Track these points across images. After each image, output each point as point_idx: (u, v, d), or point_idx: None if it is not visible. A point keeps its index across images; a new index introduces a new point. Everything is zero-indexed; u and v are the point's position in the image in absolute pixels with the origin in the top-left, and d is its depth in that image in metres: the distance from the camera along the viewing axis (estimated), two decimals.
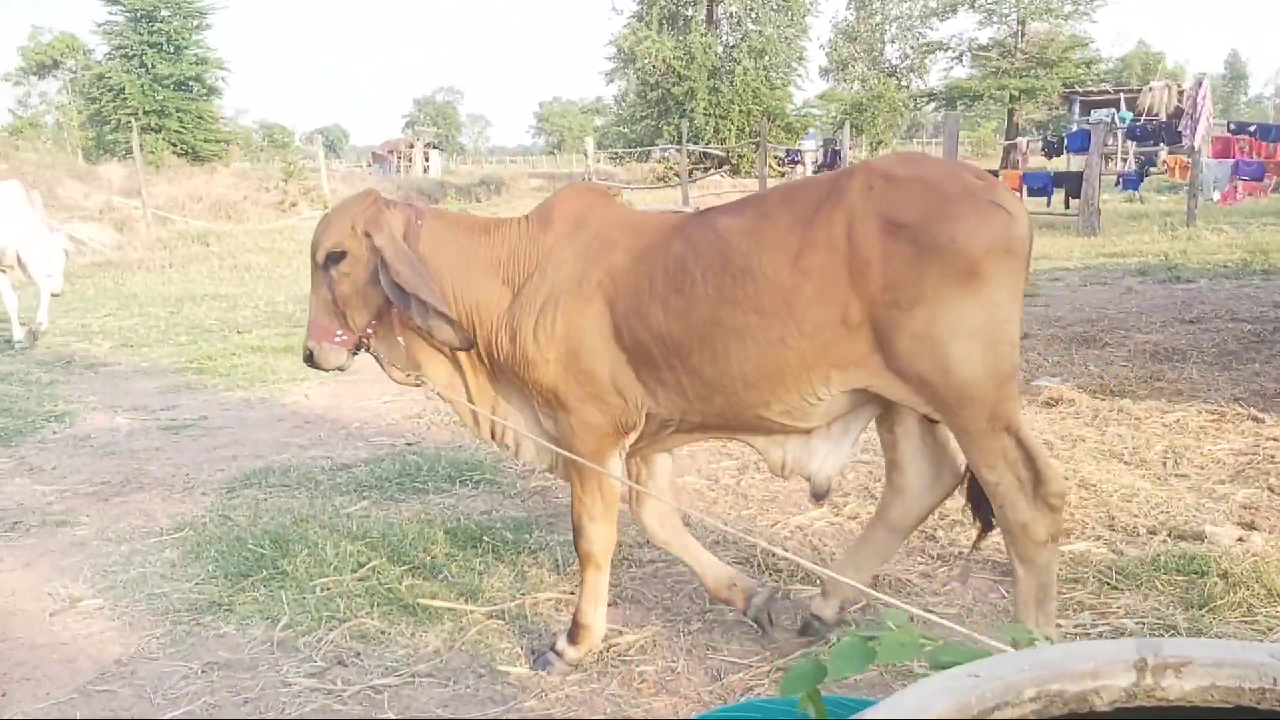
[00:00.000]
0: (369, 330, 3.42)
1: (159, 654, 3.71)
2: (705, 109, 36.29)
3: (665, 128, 39.16)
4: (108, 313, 12.58)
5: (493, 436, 3.59)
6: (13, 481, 5.89)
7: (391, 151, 62.22)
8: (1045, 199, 17.80)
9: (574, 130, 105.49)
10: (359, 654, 3.64)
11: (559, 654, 3.48)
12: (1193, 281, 10.48)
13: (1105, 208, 16.97)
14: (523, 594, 4.02)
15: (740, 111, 36.97)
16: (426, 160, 61.18)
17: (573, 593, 4.03)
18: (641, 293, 3.14)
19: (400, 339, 3.45)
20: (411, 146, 62.78)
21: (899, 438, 3.36)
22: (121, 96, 48.19)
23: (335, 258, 3.33)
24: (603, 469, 3.28)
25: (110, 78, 49.21)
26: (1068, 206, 17.17)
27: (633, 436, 3.35)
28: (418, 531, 4.58)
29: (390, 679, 3.45)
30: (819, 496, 3.38)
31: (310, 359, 3.47)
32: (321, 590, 4.10)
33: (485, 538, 4.54)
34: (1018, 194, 17.81)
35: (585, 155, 28.14)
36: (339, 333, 3.40)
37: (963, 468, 3.30)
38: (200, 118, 49.65)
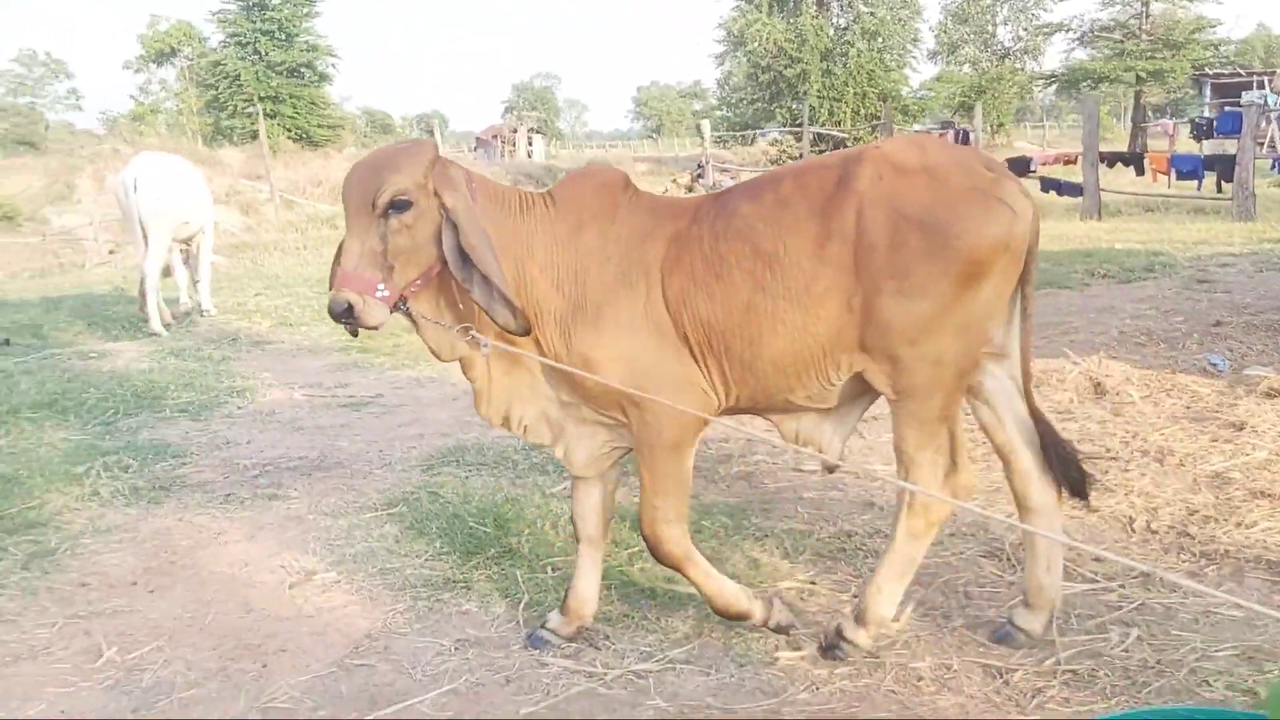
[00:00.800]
0: (412, 289, 3.12)
1: (407, 629, 3.70)
2: (819, 91, 35.78)
3: (777, 110, 38.76)
4: (257, 292, 12.84)
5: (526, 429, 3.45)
6: (213, 455, 6.01)
7: (495, 136, 62.75)
8: (1195, 182, 17.12)
9: (672, 115, 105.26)
10: (608, 636, 3.59)
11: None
12: None
13: (1258, 192, 16.25)
14: (760, 582, 3.92)
15: (855, 94, 36.36)
16: (530, 145, 61.58)
17: (813, 582, 3.93)
18: (686, 281, 3.15)
19: (442, 301, 3.22)
20: (514, 131, 63.22)
21: (1003, 420, 3.35)
22: (237, 83, 49.47)
23: (400, 206, 3.01)
24: (684, 464, 3.29)
25: (225, 65, 50.55)
26: (1219, 190, 16.47)
27: (709, 423, 3.30)
28: (635, 515, 4.51)
29: (649, 664, 3.39)
30: (831, 469, 3.51)
31: (348, 314, 3.02)
32: (553, 570, 4.07)
33: (705, 522, 4.46)
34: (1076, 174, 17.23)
35: (702, 138, 27.87)
36: (382, 286, 3.05)
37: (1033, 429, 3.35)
38: (313, 103, 50.77)
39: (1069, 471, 3.35)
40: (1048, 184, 18.06)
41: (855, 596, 3.59)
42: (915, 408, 3.11)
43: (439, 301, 3.20)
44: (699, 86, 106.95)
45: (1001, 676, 3.21)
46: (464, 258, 3.03)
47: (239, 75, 48.72)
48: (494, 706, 3.20)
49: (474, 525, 4.46)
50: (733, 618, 3.45)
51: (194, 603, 4.04)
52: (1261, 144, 18.93)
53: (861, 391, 3.25)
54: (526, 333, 3.12)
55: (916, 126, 35.32)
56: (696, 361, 3.19)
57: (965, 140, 22.94)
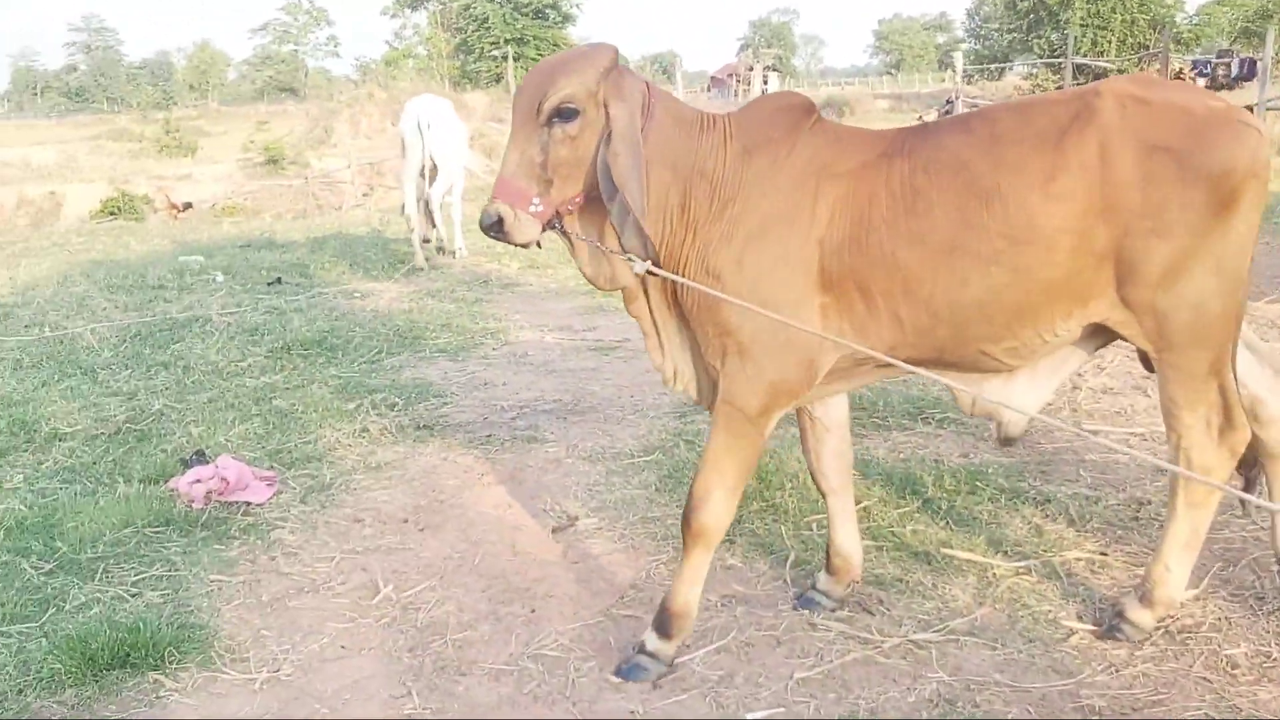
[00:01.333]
0: (569, 206, 2.89)
1: (670, 581, 3.64)
2: (1082, 19, 33.30)
3: (1034, 42, 36.47)
4: None
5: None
6: (472, 395, 6.17)
7: (730, 75, 62.27)
8: None
9: (914, 49, 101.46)
10: (881, 601, 3.42)
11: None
12: None
13: None
14: (1046, 550, 3.64)
15: (1123, 21, 33.66)
16: (765, 83, 60.71)
17: (1104, 553, 3.62)
18: (862, 219, 2.85)
19: (604, 224, 2.95)
20: (750, 69, 62.44)
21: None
22: (485, 26, 51.01)
23: (566, 115, 2.78)
24: (763, 432, 3.00)
25: (475, 8, 52.05)
26: None
27: (800, 401, 3.07)
28: (903, 472, 4.30)
29: (928, 634, 3.20)
30: (1007, 443, 3.22)
31: (499, 227, 2.85)
32: (818, 527, 3.91)
33: (979, 483, 4.19)
34: None
35: (954, 70, 26.58)
36: (536, 200, 2.83)
37: None
38: (555, 45, 51.71)
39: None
40: None
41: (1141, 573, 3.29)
42: (1180, 361, 2.86)
43: (600, 224, 2.95)
44: (944, 19, 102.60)
45: None
46: (609, 174, 2.80)
47: (487, 18, 50.27)
48: (766, 668, 3.09)
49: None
50: (672, 627, 3.11)
51: (463, 543, 4.13)
52: None
53: (1068, 353, 3.04)
54: (647, 268, 2.87)
55: (1191, 56, 32.36)
56: (852, 311, 2.90)
57: (1252, 71, 20.87)
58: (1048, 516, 3.90)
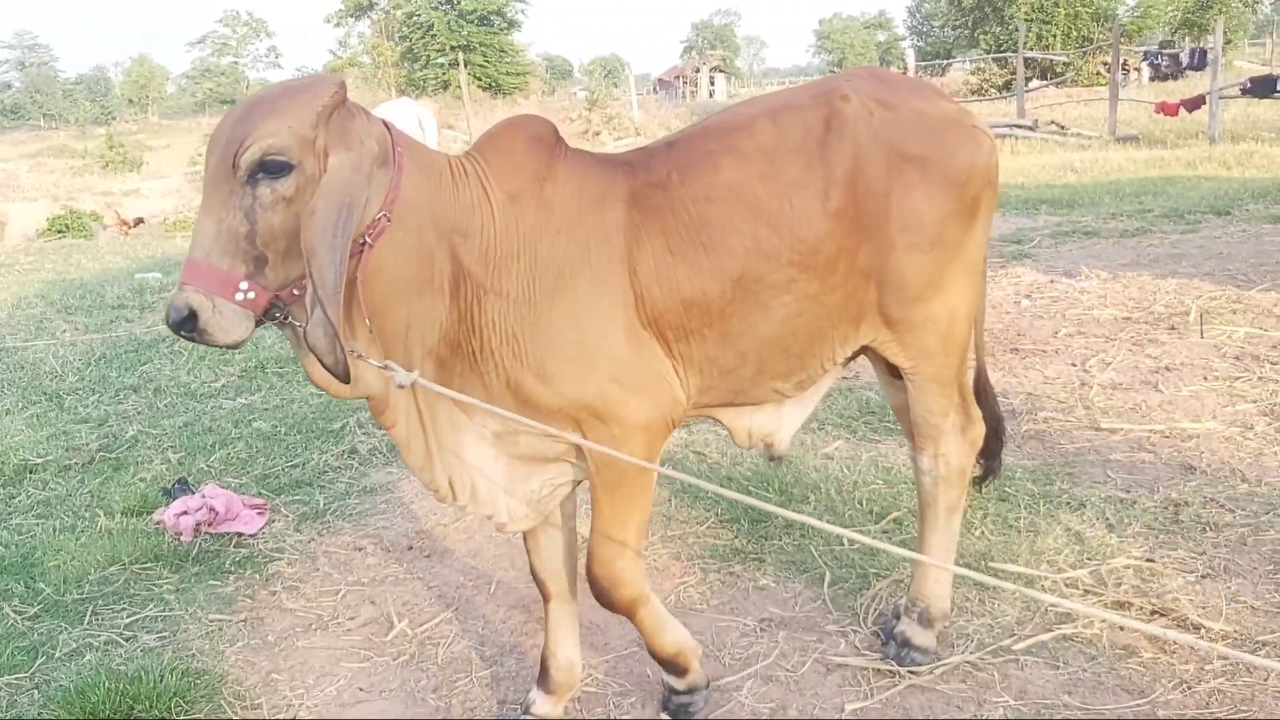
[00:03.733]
0: (296, 291, 2.17)
1: (703, 605, 3.47)
2: (1026, 14, 33.53)
3: (981, 37, 36.72)
4: None
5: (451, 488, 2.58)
6: None
7: (677, 77, 62.27)
8: None
9: (855, 47, 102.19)
10: None
11: None
12: None
13: None
14: (1088, 559, 3.51)
15: (1066, 15, 33.97)
16: (712, 84, 60.84)
17: (1150, 559, 3.49)
18: (661, 254, 2.50)
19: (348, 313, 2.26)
20: (697, 71, 62.53)
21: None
22: (430, 33, 50.57)
23: (275, 170, 2.08)
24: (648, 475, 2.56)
25: (420, 15, 51.61)
26: None
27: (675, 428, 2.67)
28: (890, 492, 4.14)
29: (983, 654, 3.04)
30: (778, 459, 3.06)
31: (191, 324, 2.10)
32: (849, 542, 3.76)
33: (1009, 489, 4.06)
34: None
35: (905, 67, 26.66)
36: (244, 284, 2.10)
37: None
38: (501, 51, 51.46)
39: (991, 442, 3.13)
40: None
41: (904, 596, 3.16)
42: (935, 371, 2.81)
43: (345, 313, 2.22)
44: (884, 17, 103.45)
45: None
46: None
47: (432, 25, 49.81)
48: (819, 699, 2.93)
49: (753, 490, 4.19)
50: (682, 665, 2.82)
51: (473, 570, 3.92)
52: None
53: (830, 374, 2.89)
54: (346, 381, 2.18)
55: (1135, 48, 32.75)
56: (671, 353, 2.56)
57: (1202, 61, 21.05)
58: (1085, 522, 3.76)
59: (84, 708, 3.02)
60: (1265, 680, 2.81)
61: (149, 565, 4.03)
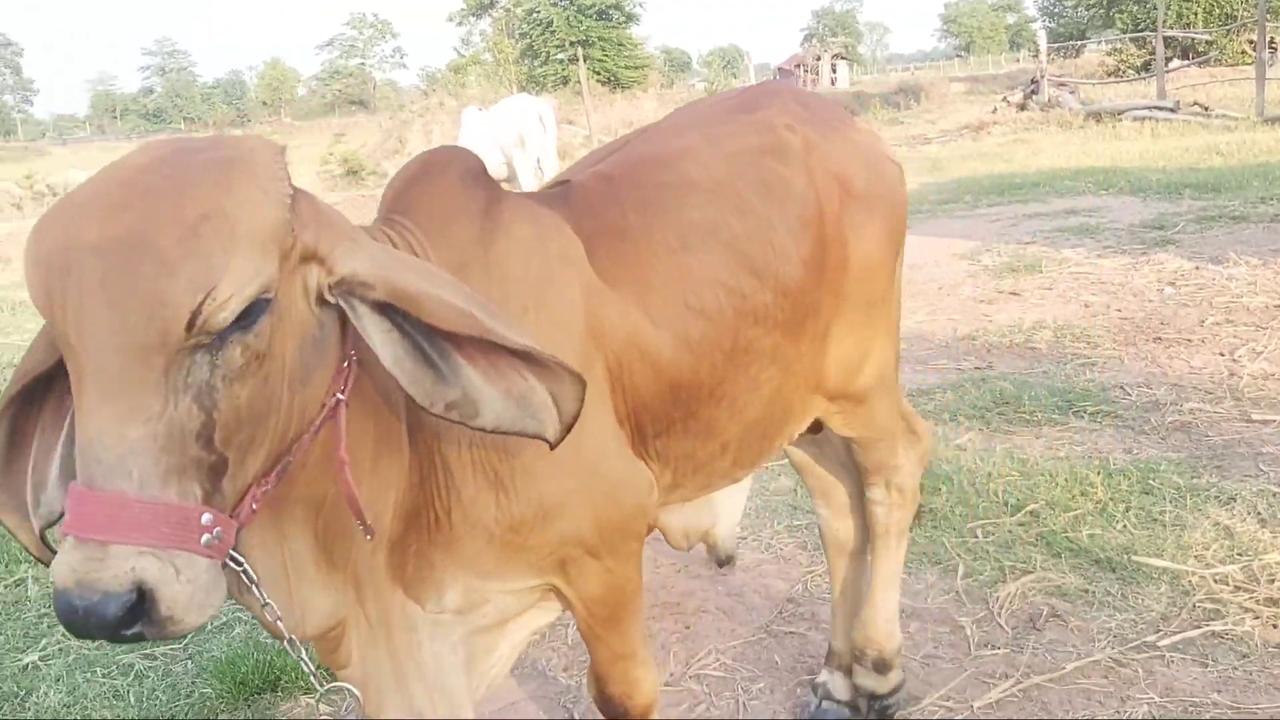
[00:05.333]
0: (254, 503, 1.38)
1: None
2: None
3: (1116, 16, 35.34)
4: None
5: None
6: None
7: (798, 65, 61.71)
8: None
9: (984, 30, 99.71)
10: (1058, 614, 3.17)
11: None
12: None
13: None
14: (1239, 554, 3.35)
15: None
16: (834, 72, 60.11)
17: None
18: (640, 324, 1.92)
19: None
20: (818, 59, 61.86)
21: (822, 451, 2.78)
22: (550, 29, 51.20)
23: (252, 314, 1.28)
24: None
25: (539, 12, 52.28)
26: None
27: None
28: (1067, 472, 4.02)
29: (1126, 650, 2.94)
30: (724, 561, 2.86)
31: (137, 615, 1.23)
32: (983, 534, 3.67)
33: (1153, 482, 3.90)
34: None
35: (1037, 50, 25.81)
36: (207, 519, 1.27)
37: None
38: (620, 45, 51.79)
39: None
40: None
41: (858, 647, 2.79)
42: (885, 429, 2.54)
43: (310, 514, 1.55)
44: None
45: None
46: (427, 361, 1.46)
47: (551, 21, 50.45)
48: (953, 691, 2.87)
49: None
50: None
51: None
52: None
53: None
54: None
55: None
56: (645, 454, 2.02)
57: None
58: (1235, 516, 3.59)
59: (234, 678, 3.15)
60: None
61: None
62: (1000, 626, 3.14)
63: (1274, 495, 3.73)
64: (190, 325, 1.21)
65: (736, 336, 2.03)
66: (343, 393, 1.46)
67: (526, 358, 1.46)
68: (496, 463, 1.73)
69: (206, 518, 1.26)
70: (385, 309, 1.42)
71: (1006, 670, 2.93)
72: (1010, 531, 3.65)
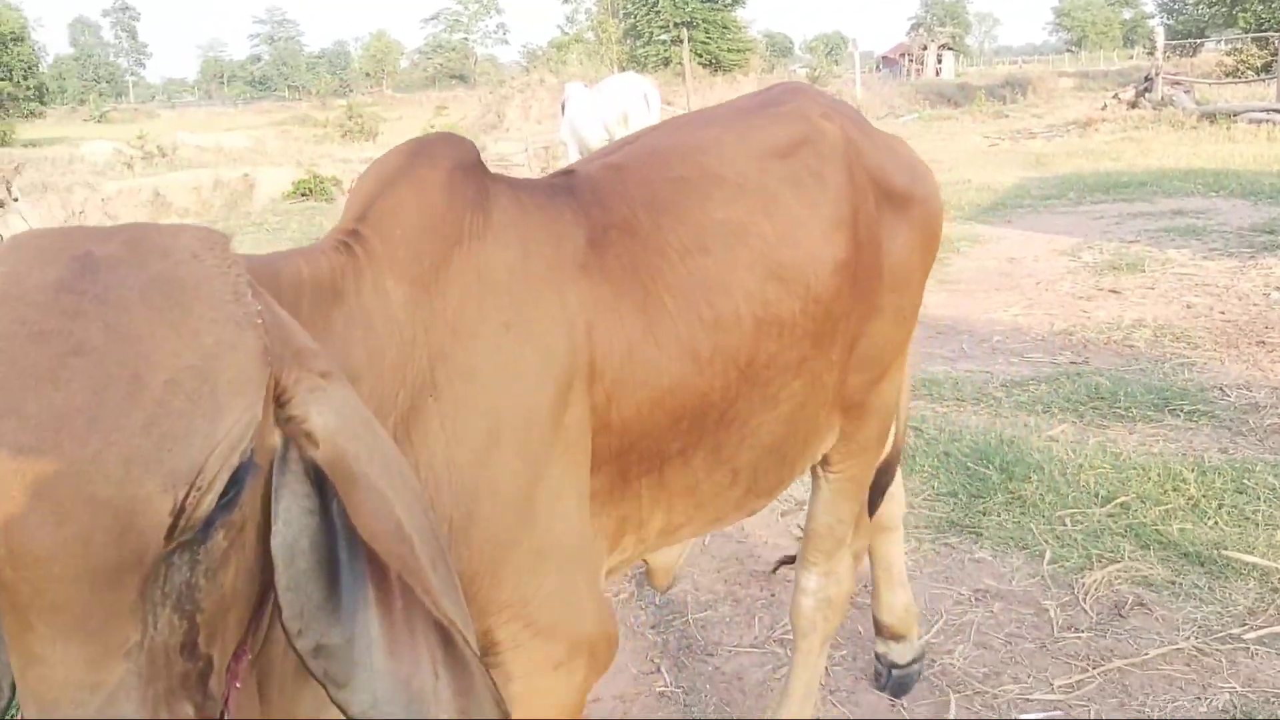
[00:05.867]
0: (242, 662, 1.09)
1: (917, 573, 3.50)
2: None
3: (1240, 14, 34.24)
4: None
5: None
6: None
7: (903, 55, 60.82)
8: None
9: (1097, 25, 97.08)
10: (1144, 603, 3.20)
11: None
12: None
13: None
14: None
15: None
16: (939, 62, 59.08)
17: None
18: (643, 343, 1.67)
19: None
20: (924, 49, 60.83)
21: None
22: (655, 9, 51.22)
23: (228, 498, 0.95)
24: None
25: None
26: None
27: None
28: (1159, 467, 4.02)
29: (1210, 640, 2.97)
30: (668, 588, 2.75)
31: None
32: (1072, 523, 3.70)
33: (1246, 481, 3.89)
34: None
35: (1155, 48, 25.11)
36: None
37: None
38: (724, 28, 51.58)
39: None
40: None
41: None
42: (861, 469, 2.33)
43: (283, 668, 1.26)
44: None
45: None
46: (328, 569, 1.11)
47: (657, 1, 50.46)
48: (1034, 669, 2.93)
49: (972, 466, 4.17)
50: None
51: None
52: None
53: None
54: None
55: None
56: (626, 496, 1.76)
57: None
58: None
59: None
60: None
61: None
62: (1085, 612, 3.18)
63: None
64: (172, 531, 0.90)
65: (756, 350, 1.82)
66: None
67: (450, 647, 1.09)
68: (447, 500, 1.43)
69: None
70: (318, 480, 1.06)
71: (1089, 654, 2.98)
72: (1099, 522, 3.68)
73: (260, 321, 1.00)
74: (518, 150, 27.75)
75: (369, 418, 1.11)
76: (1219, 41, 36.39)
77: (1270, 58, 26.09)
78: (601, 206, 1.73)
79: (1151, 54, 25.93)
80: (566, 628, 1.59)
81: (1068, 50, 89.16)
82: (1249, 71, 27.92)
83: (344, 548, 1.08)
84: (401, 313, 1.40)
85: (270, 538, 1.03)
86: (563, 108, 11.80)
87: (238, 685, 1.07)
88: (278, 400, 1.04)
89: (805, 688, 2.53)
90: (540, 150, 28.09)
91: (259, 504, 1.04)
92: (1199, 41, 41.15)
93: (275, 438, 1.04)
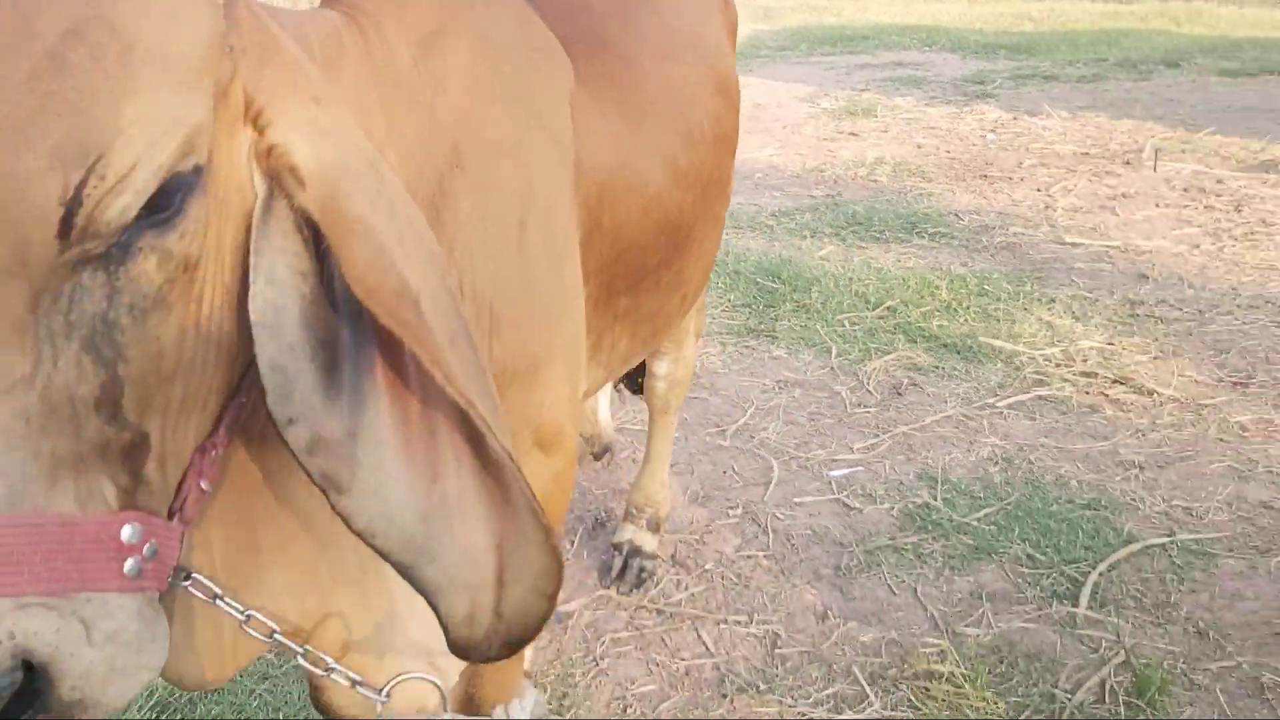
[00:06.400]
0: (205, 480, 0.91)
1: (726, 370, 3.95)
2: None
3: None
4: None
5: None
6: None
7: None
8: None
9: None
10: (916, 384, 3.79)
11: None
12: None
13: None
14: (1059, 340, 4.05)
15: None
16: None
17: (1110, 344, 4.03)
18: (633, 149, 1.63)
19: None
20: None
21: None
22: None
23: (167, 201, 0.78)
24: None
25: None
26: None
27: None
28: (917, 277, 4.64)
29: (971, 409, 3.59)
30: (603, 453, 2.99)
31: (34, 698, 0.78)
32: (850, 324, 4.25)
33: (987, 287, 4.57)
34: None
35: None
36: (130, 533, 0.82)
37: None
38: None
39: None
40: None
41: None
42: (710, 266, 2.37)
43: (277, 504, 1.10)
44: None
45: None
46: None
47: None
48: (835, 438, 3.45)
49: (760, 281, 4.65)
50: None
51: None
52: None
53: None
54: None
55: None
56: (604, 314, 1.69)
57: None
58: (1055, 314, 4.30)
59: None
60: (1206, 431, 3.39)
61: None
62: (870, 392, 3.73)
63: (1085, 299, 4.45)
64: (65, 227, 0.73)
65: (714, 166, 1.80)
66: None
67: (481, 448, 0.93)
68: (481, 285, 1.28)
69: (129, 531, 0.82)
70: (310, 232, 0.89)
71: (877, 423, 3.52)
72: (872, 322, 4.25)
73: (221, 3, 0.84)
74: None
75: (374, 157, 0.93)
76: None
77: None
78: (565, 16, 1.61)
79: None
80: (566, 440, 1.50)
81: None
82: None
83: (347, 323, 0.89)
84: (411, 75, 1.23)
85: (249, 301, 0.85)
86: None
87: (203, 486, 0.90)
88: (254, 124, 0.87)
89: (666, 451, 2.89)
90: None
91: (226, 254, 0.86)
92: None
93: (254, 178, 0.88)
